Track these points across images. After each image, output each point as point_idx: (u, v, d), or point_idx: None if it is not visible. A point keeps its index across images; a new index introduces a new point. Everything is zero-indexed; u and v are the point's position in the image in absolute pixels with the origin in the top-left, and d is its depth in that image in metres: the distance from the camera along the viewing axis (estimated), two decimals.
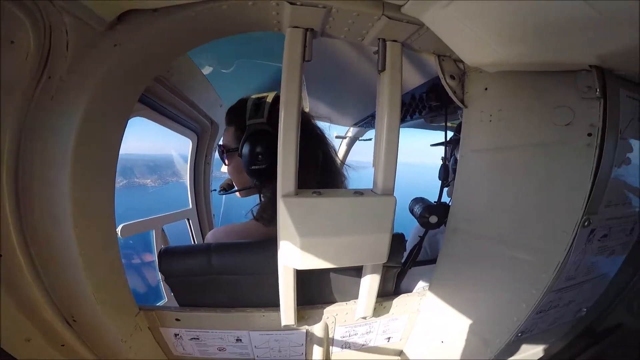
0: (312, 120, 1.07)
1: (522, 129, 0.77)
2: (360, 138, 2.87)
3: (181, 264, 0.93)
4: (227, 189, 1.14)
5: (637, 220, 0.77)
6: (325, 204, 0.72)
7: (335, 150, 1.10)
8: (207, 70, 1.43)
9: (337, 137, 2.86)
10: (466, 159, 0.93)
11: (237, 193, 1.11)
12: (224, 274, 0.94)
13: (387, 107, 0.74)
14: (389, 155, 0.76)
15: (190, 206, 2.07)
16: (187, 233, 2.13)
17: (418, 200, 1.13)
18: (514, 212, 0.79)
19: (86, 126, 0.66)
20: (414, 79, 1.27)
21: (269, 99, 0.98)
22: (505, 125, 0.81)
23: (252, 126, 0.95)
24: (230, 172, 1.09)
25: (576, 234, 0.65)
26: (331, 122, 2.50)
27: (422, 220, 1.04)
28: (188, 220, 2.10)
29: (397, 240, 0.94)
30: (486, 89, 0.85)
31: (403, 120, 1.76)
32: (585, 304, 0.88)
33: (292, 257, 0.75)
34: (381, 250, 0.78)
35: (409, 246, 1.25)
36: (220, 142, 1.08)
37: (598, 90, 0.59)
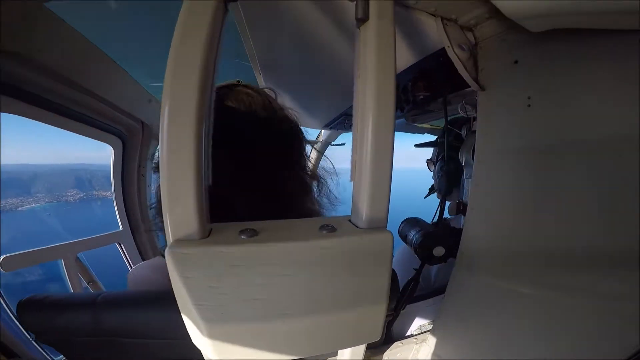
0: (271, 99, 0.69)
1: (582, 118, 0.49)
2: (332, 143, 2.56)
3: (51, 321, 0.63)
4: None
5: None
6: (262, 257, 0.36)
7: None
8: (120, 56, 1.05)
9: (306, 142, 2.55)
10: (487, 165, 0.64)
11: None
12: (123, 337, 0.62)
13: (373, 78, 0.40)
14: (379, 159, 0.40)
15: (121, 228, 1.66)
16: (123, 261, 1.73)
17: (412, 223, 0.81)
18: (571, 243, 0.51)
19: None
20: (399, 60, 0.97)
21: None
22: (551, 113, 0.52)
23: None
24: None
25: None
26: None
27: (424, 253, 0.74)
28: (120, 245, 1.69)
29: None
30: (516, 61, 0.57)
31: None
32: None
33: (203, 345, 0.40)
34: (373, 327, 0.44)
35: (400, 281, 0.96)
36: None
37: None
